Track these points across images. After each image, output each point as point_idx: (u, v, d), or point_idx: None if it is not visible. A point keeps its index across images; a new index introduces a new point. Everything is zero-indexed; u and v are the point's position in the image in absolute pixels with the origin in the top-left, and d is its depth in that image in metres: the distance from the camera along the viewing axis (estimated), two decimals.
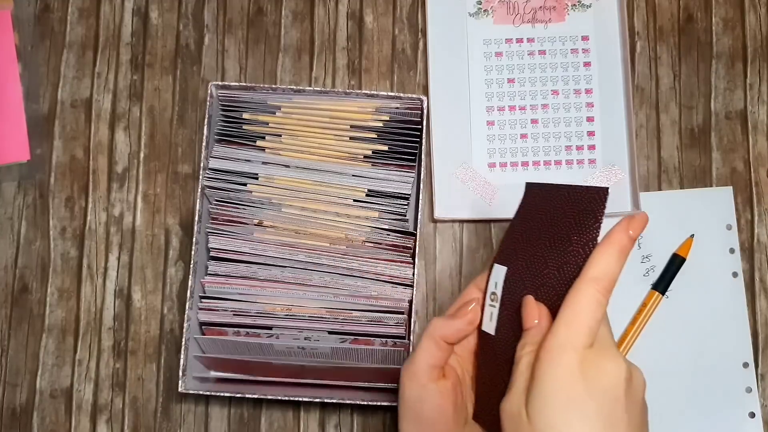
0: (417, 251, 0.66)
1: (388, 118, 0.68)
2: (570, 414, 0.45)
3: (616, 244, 0.49)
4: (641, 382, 0.48)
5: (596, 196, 0.51)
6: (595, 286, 0.48)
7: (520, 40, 0.75)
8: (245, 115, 0.68)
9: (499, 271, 0.55)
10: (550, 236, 0.53)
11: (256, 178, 0.67)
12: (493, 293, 0.55)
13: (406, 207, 0.67)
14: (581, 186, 0.53)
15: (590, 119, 0.74)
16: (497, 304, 0.55)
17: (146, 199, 0.74)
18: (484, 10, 0.76)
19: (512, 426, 0.47)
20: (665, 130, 0.75)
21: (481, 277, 0.57)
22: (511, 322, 0.53)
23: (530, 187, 0.58)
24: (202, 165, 0.67)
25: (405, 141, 0.67)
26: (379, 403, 0.65)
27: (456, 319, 0.55)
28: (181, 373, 0.65)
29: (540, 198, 0.56)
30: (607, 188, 0.51)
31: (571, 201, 0.53)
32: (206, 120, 0.67)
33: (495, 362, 0.54)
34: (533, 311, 0.51)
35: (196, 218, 0.66)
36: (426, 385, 0.53)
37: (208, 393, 0.66)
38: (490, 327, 0.55)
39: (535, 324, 0.50)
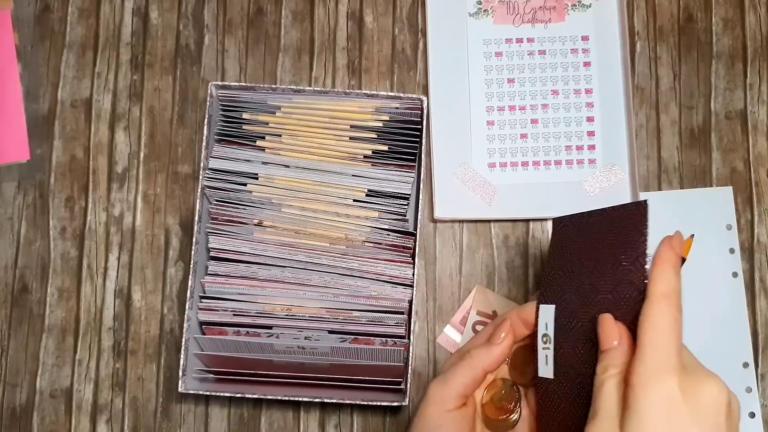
0: (417, 251, 0.66)
1: (388, 118, 0.68)
2: None
3: (669, 261, 0.48)
4: (738, 407, 0.46)
5: (636, 212, 0.49)
6: (667, 303, 0.46)
7: (520, 40, 0.75)
8: (245, 115, 0.68)
9: (548, 311, 0.53)
10: (594, 263, 0.51)
11: (256, 178, 0.67)
12: (545, 335, 0.53)
13: (406, 207, 0.67)
14: (615, 206, 0.51)
15: (590, 119, 0.74)
16: (551, 345, 0.52)
17: (146, 199, 0.74)
18: (484, 10, 0.76)
19: None
20: (665, 130, 0.75)
21: (522, 309, 0.56)
22: (572, 359, 0.51)
23: (558, 221, 0.57)
24: (202, 165, 0.67)
25: (405, 141, 0.67)
26: (379, 403, 0.65)
27: (495, 345, 0.54)
28: (181, 373, 0.65)
29: (571, 229, 0.55)
30: (646, 201, 0.49)
31: (608, 223, 0.51)
32: (206, 120, 0.67)
33: (560, 405, 0.51)
34: (612, 331, 0.47)
35: (196, 218, 0.66)
36: (451, 410, 0.53)
37: (208, 393, 0.66)
38: (547, 371, 0.52)
39: (615, 345, 0.47)
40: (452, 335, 0.71)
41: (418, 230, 0.66)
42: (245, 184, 0.67)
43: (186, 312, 0.65)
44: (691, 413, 0.43)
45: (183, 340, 0.65)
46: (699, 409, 0.43)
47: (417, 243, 0.66)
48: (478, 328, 0.71)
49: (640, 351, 0.45)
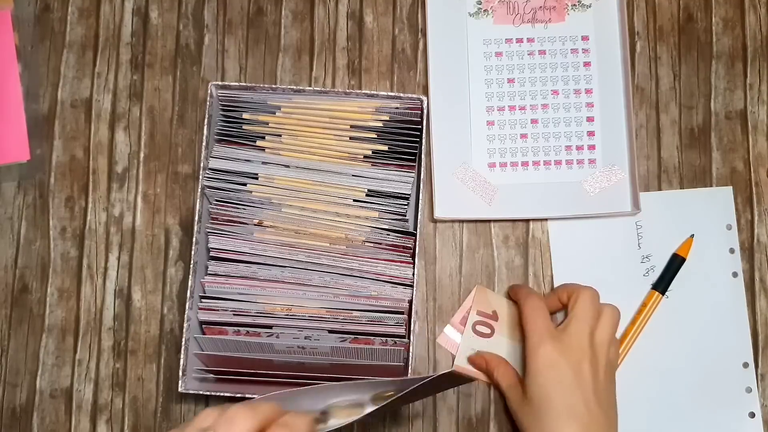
0: (417, 251, 0.66)
1: (388, 118, 0.68)
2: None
3: (527, 294, 0.68)
4: (611, 315, 0.66)
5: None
6: (533, 305, 0.67)
7: (520, 40, 0.75)
8: (245, 115, 0.68)
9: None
10: None
11: (256, 178, 0.67)
12: None
13: (406, 207, 0.67)
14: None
15: (590, 119, 0.74)
16: None
17: (146, 199, 0.74)
18: (484, 10, 0.76)
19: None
20: (665, 130, 0.75)
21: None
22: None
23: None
24: (202, 165, 0.67)
25: (405, 141, 0.67)
26: None
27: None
28: (181, 373, 0.65)
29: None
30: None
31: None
32: (206, 120, 0.67)
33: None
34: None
35: (196, 218, 0.66)
36: None
37: (208, 393, 0.66)
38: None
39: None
40: (452, 335, 0.71)
41: (418, 230, 0.66)
42: (245, 184, 0.67)
43: (186, 312, 0.65)
44: (562, 355, 0.63)
45: (183, 340, 0.65)
46: (568, 349, 0.63)
47: (417, 243, 0.66)
48: (479, 328, 0.71)
49: (525, 330, 0.66)
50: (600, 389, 0.63)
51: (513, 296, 0.71)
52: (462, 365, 0.71)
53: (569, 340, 0.64)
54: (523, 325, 0.66)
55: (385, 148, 0.67)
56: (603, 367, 0.64)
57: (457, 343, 0.71)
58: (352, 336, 0.64)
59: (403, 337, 0.65)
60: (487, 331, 0.71)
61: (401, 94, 0.68)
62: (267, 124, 0.68)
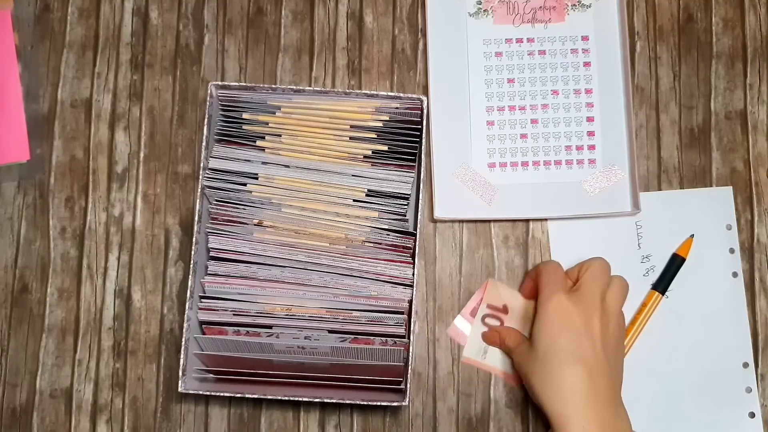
0: (417, 251, 0.66)
1: (387, 118, 0.68)
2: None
3: (547, 266, 0.69)
4: (619, 286, 0.67)
5: None
6: (550, 266, 0.68)
7: (520, 40, 0.75)
8: (245, 115, 0.68)
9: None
10: None
11: (256, 178, 0.67)
12: None
13: (406, 207, 0.67)
14: None
15: (590, 119, 0.74)
16: None
17: (146, 199, 0.74)
18: (484, 10, 0.76)
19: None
20: (665, 130, 0.75)
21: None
22: None
23: None
24: (202, 165, 0.67)
25: (405, 141, 0.67)
26: (379, 403, 0.65)
27: None
28: (181, 373, 0.65)
29: None
30: None
31: None
32: (206, 120, 0.67)
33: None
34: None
35: (196, 218, 0.67)
36: None
37: (208, 393, 0.66)
38: None
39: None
40: (462, 327, 0.72)
41: (418, 230, 0.66)
42: (245, 184, 0.67)
43: (186, 312, 0.65)
44: (574, 306, 0.64)
45: (183, 340, 0.65)
46: (579, 302, 0.64)
47: (417, 243, 0.66)
48: (488, 321, 0.72)
49: (540, 287, 0.67)
50: (609, 343, 0.64)
51: (534, 276, 0.70)
52: (470, 357, 0.71)
53: (581, 297, 0.65)
54: (539, 286, 0.67)
55: (385, 148, 0.67)
56: (612, 328, 0.65)
57: (467, 335, 0.71)
58: (352, 336, 0.64)
59: (403, 337, 0.65)
60: (497, 324, 0.72)
61: (401, 94, 0.68)
62: (267, 124, 0.68)
